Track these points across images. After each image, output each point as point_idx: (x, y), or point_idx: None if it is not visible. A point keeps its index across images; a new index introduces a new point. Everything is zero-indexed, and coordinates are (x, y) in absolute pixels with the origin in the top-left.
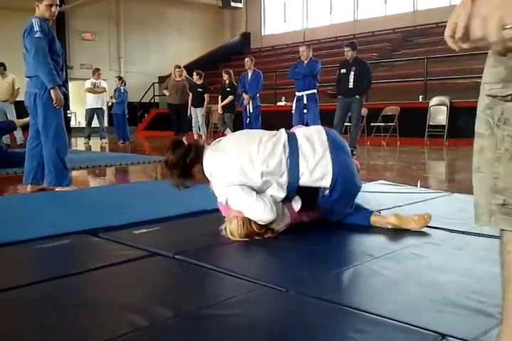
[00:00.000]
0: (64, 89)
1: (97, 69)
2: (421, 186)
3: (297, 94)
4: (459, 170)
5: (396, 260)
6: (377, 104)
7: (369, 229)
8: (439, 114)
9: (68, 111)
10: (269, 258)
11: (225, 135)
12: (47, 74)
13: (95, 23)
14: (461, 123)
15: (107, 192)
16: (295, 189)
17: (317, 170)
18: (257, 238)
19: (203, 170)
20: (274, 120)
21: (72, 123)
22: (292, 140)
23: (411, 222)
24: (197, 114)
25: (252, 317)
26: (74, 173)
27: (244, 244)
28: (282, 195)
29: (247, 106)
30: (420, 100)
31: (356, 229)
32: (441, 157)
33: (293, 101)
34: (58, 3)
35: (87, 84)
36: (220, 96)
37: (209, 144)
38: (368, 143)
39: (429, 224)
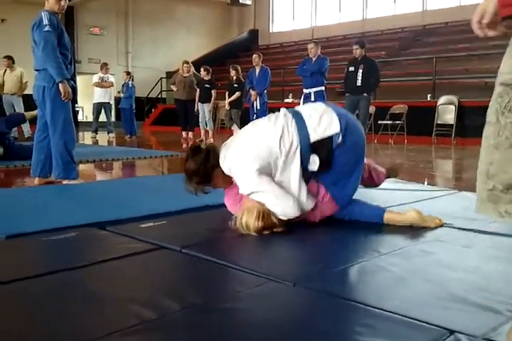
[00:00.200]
0: (72, 82)
1: (105, 64)
2: (428, 184)
3: (305, 91)
4: (467, 169)
5: (404, 257)
6: (385, 102)
7: (377, 225)
8: (447, 113)
9: (76, 105)
10: (276, 253)
11: (232, 131)
12: (55, 68)
13: (104, 18)
14: (469, 123)
15: (114, 186)
16: (307, 149)
17: (323, 120)
18: (265, 232)
19: (222, 171)
20: None
21: (80, 118)
22: (291, 110)
23: (429, 220)
24: (204, 110)
25: (259, 311)
26: (81, 167)
27: (251, 238)
28: (298, 163)
29: (255, 103)
30: (428, 99)
31: (364, 225)
32: (449, 156)
33: (300, 98)
34: None
35: (95, 78)
36: (227, 92)
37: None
38: (376, 141)
39: None
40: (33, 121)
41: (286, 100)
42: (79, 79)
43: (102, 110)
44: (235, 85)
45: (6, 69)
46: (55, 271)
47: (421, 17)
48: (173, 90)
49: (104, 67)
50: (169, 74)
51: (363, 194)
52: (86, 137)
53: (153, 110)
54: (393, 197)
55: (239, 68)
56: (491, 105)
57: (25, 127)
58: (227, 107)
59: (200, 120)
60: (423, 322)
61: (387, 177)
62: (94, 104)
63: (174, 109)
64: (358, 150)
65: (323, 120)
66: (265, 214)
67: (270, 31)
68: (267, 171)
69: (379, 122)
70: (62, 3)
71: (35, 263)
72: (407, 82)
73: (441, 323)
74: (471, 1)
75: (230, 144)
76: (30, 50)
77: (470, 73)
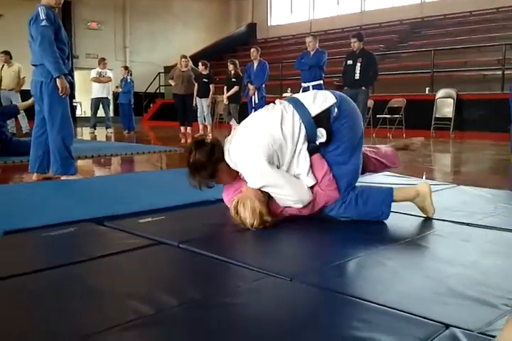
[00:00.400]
0: (70, 77)
1: (103, 59)
2: (426, 178)
3: (303, 85)
4: (465, 163)
5: (401, 251)
6: (384, 95)
7: (373, 220)
8: (445, 106)
9: (74, 101)
10: (273, 248)
11: (230, 125)
12: (53, 63)
13: (101, 13)
14: (468, 116)
15: (112, 182)
16: (311, 124)
17: (317, 97)
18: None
19: (227, 165)
20: None
21: (78, 113)
22: (286, 99)
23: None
24: (202, 104)
25: (256, 306)
26: (79, 162)
27: (249, 234)
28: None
29: (253, 97)
30: (427, 92)
31: (360, 220)
32: (447, 149)
33: (299, 92)
34: None
35: (93, 73)
36: (225, 87)
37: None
38: (374, 135)
39: (434, 216)
40: (30, 116)
41: (284, 94)
42: (77, 74)
43: (100, 105)
44: (233, 79)
45: (3, 65)
46: (53, 266)
47: (419, 9)
48: (171, 85)
49: (102, 62)
50: (167, 69)
51: None
52: (84, 132)
53: (151, 105)
54: None
55: (237, 62)
56: None
57: (23, 123)
58: (225, 102)
59: (198, 115)
60: (419, 316)
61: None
62: (92, 99)
63: (172, 104)
64: (355, 127)
65: (317, 96)
66: (261, 212)
67: (268, 25)
68: (274, 158)
69: (377, 116)
70: None
71: (33, 259)
72: (405, 75)
73: (437, 317)
74: None
75: (232, 138)
76: (28, 45)
77: (468, 66)
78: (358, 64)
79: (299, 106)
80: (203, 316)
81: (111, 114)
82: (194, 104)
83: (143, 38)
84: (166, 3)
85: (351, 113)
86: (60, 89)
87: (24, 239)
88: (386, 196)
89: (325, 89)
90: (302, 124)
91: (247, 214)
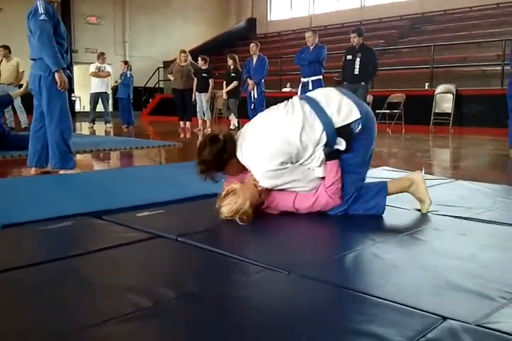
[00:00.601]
0: (68, 72)
1: (102, 54)
2: (425, 173)
3: (303, 80)
4: (464, 158)
5: (399, 245)
6: (383, 91)
7: (371, 214)
8: (444, 101)
9: (73, 95)
10: (271, 242)
11: (229, 120)
12: (51, 57)
13: (100, 7)
14: (467, 111)
15: (111, 176)
16: (333, 134)
17: (342, 108)
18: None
19: (237, 161)
20: None
21: (77, 108)
22: (305, 97)
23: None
24: (202, 99)
25: (254, 299)
26: (78, 157)
27: (247, 227)
28: (322, 155)
29: (252, 92)
30: (426, 88)
31: (358, 214)
32: (446, 144)
33: (298, 87)
34: None
35: (92, 68)
36: (224, 82)
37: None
38: None
39: (433, 210)
40: (29, 111)
41: (283, 89)
42: (76, 69)
43: (100, 100)
44: (233, 74)
45: (2, 59)
46: (51, 259)
47: (419, 4)
48: (170, 80)
49: (101, 56)
50: (166, 64)
51: None
52: (83, 127)
53: (150, 100)
54: None
55: (236, 57)
56: None
57: (22, 117)
58: (224, 97)
59: (197, 110)
60: (417, 308)
61: None
62: (91, 94)
63: (172, 99)
64: (371, 144)
65: (342, 107)
66: (243, 214)
67: (268, 20)
68: (287, 160)
69: (377, 111)
70: None
71: (31, 252)
72: (405, 71)
73: (434, 310)
74: None
75: (246, 134)
76: (27, 40)
77: (468, 62)
78: (358, 59)
79: (322, 114)
80: (201, 309)
81: (110, 108)
82: (193, 99)
83: (142, 32)
84: None
85: (372, 130)
86: (58, 84)
87: (22, 232)
88: (381, 189)
89: (324, 84)
90: (324, 133)
91: (229, 207)
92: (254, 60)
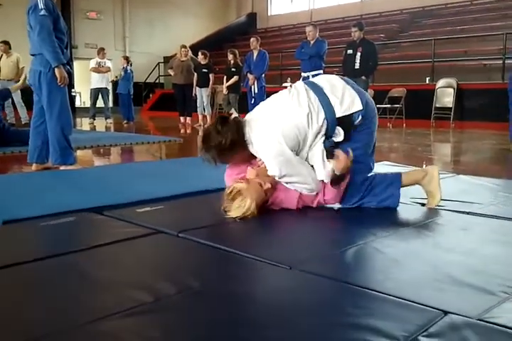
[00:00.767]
0: (68, 67)
1: (102, 49)
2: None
3: (303, 74)
4: (465, 152)
5: (400, 239)
6: (384, 85)
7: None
8: (445, 96)
9: (73, 91)
10: (273, 237)
11: (229, 115)
12: (51, 53)
13: (100, 2)
14: (468, 106)
15: (112, 171)
16: (333, 123)
17: (345, 98)
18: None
19: (245, 147)
20: None
21: (77, 103)
22: (309, 83)
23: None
24: (202, 94)
25: (255, 294)
26: (79, 153)
27: (248, 223)
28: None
29: (252, 87)
30: (427, 82)
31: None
32: (447, 139)
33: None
34: None
35: (92, 63)
36: (225, 77)
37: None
38: None
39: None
40: (29, 106)
41: (284, 84)
42: (76, 64)
43: (100, 96)
44: (233, 69)
45: (2, 55)
46: (52, 255)
47: None
48: (170, 75)
49: (101, 52)
50: (166, 59)
51: None
52: (84, 123)
53: (150, 95)
54: None
55: (236, 52)
56: None
57: (23, 113)
58: (224, 92)
59: (198, 105)
60: (418, 303)
61: None
62: (91, 89)
63: (172, 94)
64: (373, 127)
65: (345, 97)
66: (250, 214)
67: (268, 14)
68: (294, 149)
69: (377, 106)
70: None
71: (32, 248)
72: (405, 65)
73: (435, 304)
74: None
75: (252, 122)
76: (26, 35)
77: (469, 55)
78: (358, 53)
79: (325, 102)
80: (202, 304)
81: (110, 104)
82: (194, 94)
83: (142, 27)
84: None
85: (373, 121)
86: (58, 79)
87: (23, 228)
88: (394, 180)
89: None
90: (325, 122)
91: (238, 211)
92: (255, 54)
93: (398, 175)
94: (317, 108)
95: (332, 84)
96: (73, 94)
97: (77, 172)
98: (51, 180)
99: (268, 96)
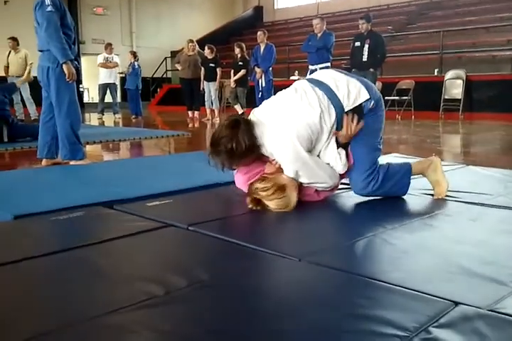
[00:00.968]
0: (76, 63)
1: (109, 44)
2: None
3: (310, 67)
4: (474, 144)
5: (409, 231)
6: (392, 77)
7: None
8: (454, 87)
9: (81, 86)
10: (281, 229)
11: (236, 110)
12: (59, 49)
13: None
14: (477, 97)
15: (121, 166)
16: (342, 116)
17: (351, 90)
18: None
19: (257, 150)
20: None
21: (86, 99)
22: (314, 81)
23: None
24: (210, 89)
25: (265, 286)
26: (88, 148)
27: (257, 215)
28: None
29: (260, 80)
30: (436, 74)
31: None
32: (457, 130)
33: (306, 75)
34: None
35: (100, 58)
36: (232, 71)
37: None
38: None
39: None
40: (38, 102)
41: (291, 77)
42: (83, 60)
43: (108, 91)
44: (240, 63)
45: (10, 51)
46: (63, 249)
47: None
48: (178, 70)
49: (109, 47)
50: (174, 54)
51: None
52: (92, 118)
53: (158, 90)
54: None
55: (243, 46)
56: None
57: (31, 109)
58: (232, 85)
59: (206, 99)
60: (428, 294)
61: None
62: (99, 85)
63: (179, 89)
64: (381, 112)
65: (351, 90)
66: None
67: (275, 8)
68: (309, 149)
69: (386, 98)
70: None
71: (43, 242)
72: (413, 57)
73: (446, 295)
74: None
75: (262, 125)
76: (34, 32)
77: (478, 47)
78: (366, 46)
79: (334, 98)
80: (212, 297)
81: (118, 99)
82: (201, 89)
83: (149, 22)
84: None
85: (379, 104)
86: (66, 75)
87: (34, 223)
88: (407, 168)
89: None
90: (336, 118)
91: (277, 202)
92: (262, 48)
93: (409, 166)
94: (327, 105)
95: (335, 78)
96: (81, 89)
97: (86, 167)
98: (61, 175)
99: (275, 89)
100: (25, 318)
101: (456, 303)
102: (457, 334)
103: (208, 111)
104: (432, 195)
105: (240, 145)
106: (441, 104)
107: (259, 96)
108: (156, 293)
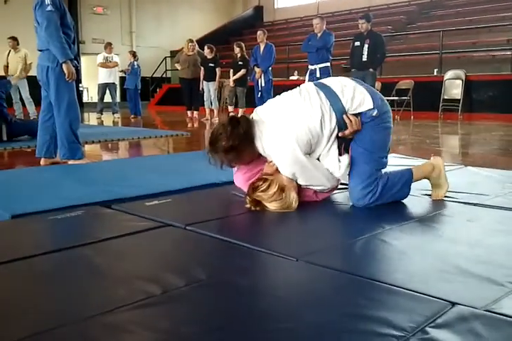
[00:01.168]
0: (76, 62)
1: (109, 44)
2: None
3: (310, 67)
4: (473, 144)
5: (407, 231)
6: (392, 77)
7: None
8: (453, 87)
9: (80, 85)
10: (279, 229)
11: (236, 110)
12: (59, 48)
13: None
14: (476, 98)
15: (119, 165)
16: (344, 122)
17: (356, 96)
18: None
19: (255, 149)
20: None
21: (85, 99)
22: (320, 84)
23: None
24: (209, 88)
25: (262, 286)
26: (87, 147)
27: (255, 215)
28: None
29: (259, 80)
30: (435, 74)
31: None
32: (456, 131)
33: (305, 75)
34: None
35: (99, 58)
36: (231, 70)
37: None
38: None
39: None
40: (38, 102)
41: (291, 77)
42: (83, 59)
43: (107, 90)
44: (240, 63)
45: (10, 51)
46: (60, 248)
47: None
48: (177, 69)
49: (109, 46)
50: (173, 54)
51: None
52: (91, 118)
53: (157, 90)
54: None
55: (243, 45)
56: None
57: (31, 108)
58: (231, 84)
59: (205, 99)
60: (425, 294)
61: None
62: (99, 84)
63: (179, 89)
64: (386, 131)
65: (356, 95)
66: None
67: (275, 7)
68: (308, 152)
69: (385, 98)
70: None
71: (40, 242)
72: (413, 57)
73: (443, 295)
74: None
75: (261, 125)
76: (34, 31)
77: (477, 47)
78: (366, 45)
79: (336, 103)
80: (210, 296)
81: (118, 99)
82: (201, 88)
83: (149, 22)
84: None
85: (386, 115)
86: (66, 74)
87: (31, 222)
88: (408, 178)
89: (332, 72)
90: (336, 123)
91: (277, 204)
92: (262, 47)
93: (410, 174)
94: (329, 110)
95: (342, 84)
96: (81, 89)
97: (85, 167)
98: (59, 175)
99: (275, 89)
100: (22, 317)
101: (453, 303)
102: (454, 335)
103: (207, 111)
104: (430, 195)
105: (238, 144)
106: (441, 105)
107: (259, 96)
108: (153, 292)
